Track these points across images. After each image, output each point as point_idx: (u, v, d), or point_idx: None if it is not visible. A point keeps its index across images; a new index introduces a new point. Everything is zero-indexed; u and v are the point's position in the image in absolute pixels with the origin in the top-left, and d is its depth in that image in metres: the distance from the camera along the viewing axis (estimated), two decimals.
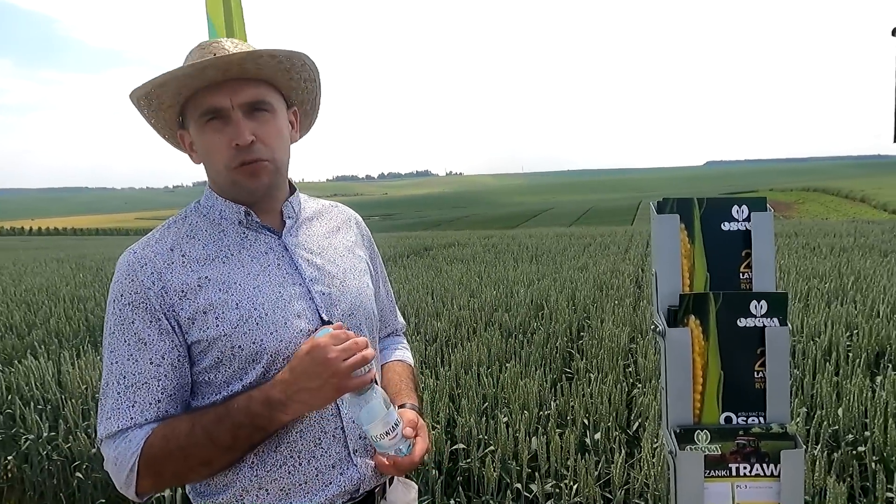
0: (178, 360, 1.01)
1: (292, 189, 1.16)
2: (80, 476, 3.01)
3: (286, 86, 1.09)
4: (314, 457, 1.05)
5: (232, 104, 1.01)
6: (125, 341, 1.00)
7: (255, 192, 1.07)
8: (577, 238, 12.94)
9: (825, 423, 2.72)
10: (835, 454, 2.63)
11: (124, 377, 0.99)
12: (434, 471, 2.66)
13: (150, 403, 0.99)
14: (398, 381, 1.25)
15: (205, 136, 1.03)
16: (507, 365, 3.61)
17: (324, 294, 1.09)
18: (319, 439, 1.05)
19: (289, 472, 1.04)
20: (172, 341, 1.00)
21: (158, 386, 0.99)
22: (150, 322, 0.99)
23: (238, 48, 1.02)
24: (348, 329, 1.09)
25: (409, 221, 59.73)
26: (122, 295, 1.01)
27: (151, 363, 0.99)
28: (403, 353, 1.34)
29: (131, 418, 0.98)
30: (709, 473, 1.04)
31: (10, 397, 3.59)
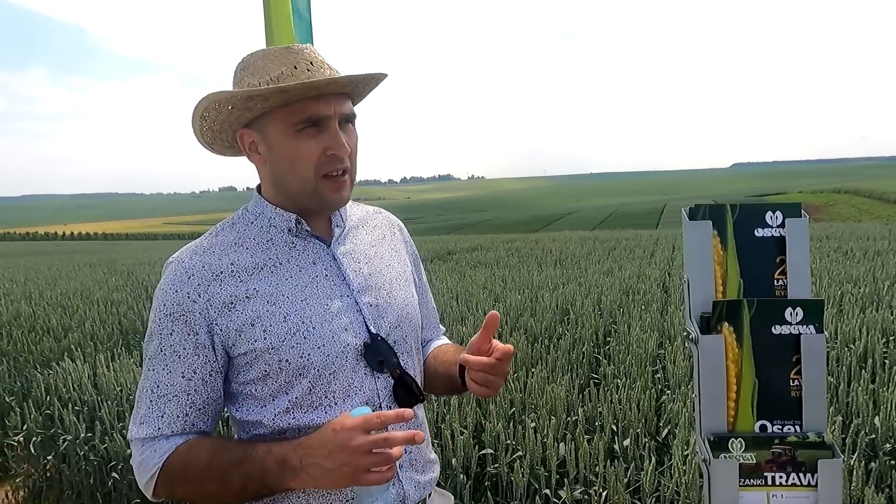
0: (210, 376, 1.03)
1: None
2: (116, 476, 3.08)
3: (357, 101, 1.11)
4: None
5: (334, 114, 1.01)
6: (162, 351, 1.02)
7: (332, 206, 1.07)
8: (601, 242, 12.83)
9: (862, 432, 2.67)
10: (872, 464, 2.57)
11: (157, 386, 1.02)
12: (462, 475, 2.67)
13: (178, 416, 1.02)
14: (454, 349, 1.25)
15: (296, 142, 1.01)
16: (534, 370, 3.60)
17: (371, 305, 1.09)
18: None
19: (329, 489, 1.03)
20: (206, 357, 1.02)
21: (188, 400, 1.02)
22: (188, 335, 1.01)
23: (324, 60, 1.03)
24: (394, 342, 1.09)
25: (432, 225, 59.87)
26: (164, 304, 1.02)
27: (183, 377, 1.01)
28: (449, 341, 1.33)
29: (158, 428, 1.01)
30: (743, 482, 1.03)
31: (48, 398, 3.70)
